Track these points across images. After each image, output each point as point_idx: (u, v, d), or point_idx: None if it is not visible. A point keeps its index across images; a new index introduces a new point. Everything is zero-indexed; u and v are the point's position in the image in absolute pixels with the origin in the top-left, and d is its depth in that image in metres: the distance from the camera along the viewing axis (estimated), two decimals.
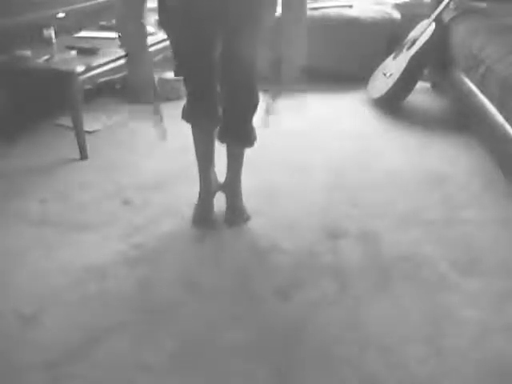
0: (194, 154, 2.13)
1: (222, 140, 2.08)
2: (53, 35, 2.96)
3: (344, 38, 3.70)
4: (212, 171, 2.20)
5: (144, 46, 1.93)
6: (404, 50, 3.30)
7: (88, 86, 2.88)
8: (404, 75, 3.21)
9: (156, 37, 3.03)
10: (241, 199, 2.21)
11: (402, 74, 3.21)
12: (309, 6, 3.85)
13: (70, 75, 2.61)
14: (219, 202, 2.22)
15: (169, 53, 2.05)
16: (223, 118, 2.02)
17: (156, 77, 2.06)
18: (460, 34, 3.07)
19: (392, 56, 3.42)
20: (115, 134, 3.05)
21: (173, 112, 2.13)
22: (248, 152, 2.12)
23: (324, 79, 3.68)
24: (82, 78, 2.64)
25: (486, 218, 2.20)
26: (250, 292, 1.82)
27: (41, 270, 1.93)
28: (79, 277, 1.89)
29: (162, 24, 2.00)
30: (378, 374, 1.50)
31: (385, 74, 3.35)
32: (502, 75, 2.40)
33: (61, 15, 3.13)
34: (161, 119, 1.93)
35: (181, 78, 2.04)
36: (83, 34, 3.23)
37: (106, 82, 3.17)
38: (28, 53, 2.75)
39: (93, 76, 2.73)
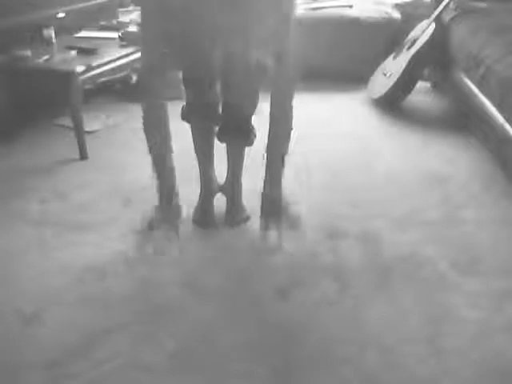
0: (194, 154, 2.13)
1: (221, 139, 2.08)
2: (53, 35, 2.96)
3: (344, 38, 3.70)
4: (212, 172, 2.20)
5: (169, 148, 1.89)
6: (404, 50, 3.30)
7: (88, 86, 2.88)
8: (404, 75, 3.21)
9: None
10: (241, 199, 2.21)
11: (402, 74, 3.21)
12: (309, 6, 3.87)
13: (70, 75, 2.61)
14: (219, 201, 2.22)
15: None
16: (223, 117, 2.02)
17: None
18: (460, 34, 3.07)
19: (392, 56, 3.42)
20: (115, 134, 3.05)
21: (173, 112, 2.13)
22: (248, 152, 2.12)
23: (324, 79, 3.68)
24: (81, 77, 2.64)
25: (485, 217, 2.20)
26: (250, 292, 1.82)
27: (41, 270, 1.93)
28: (79, 277, 1.89)
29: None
30: (378, 374, 1.50)
31: (385, 74, 3.35)
32: (502, 75, 2.40)
33: (61, 15, 3.13)
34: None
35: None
36: (83, 34, 3.23)
37: (105, 82, 3.18)
38: (28, 53, 2.75)
39: (93, 76, 2.73)
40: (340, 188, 2.44)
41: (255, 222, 2.16)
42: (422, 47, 3.19)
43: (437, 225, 2.16)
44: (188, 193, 2.25)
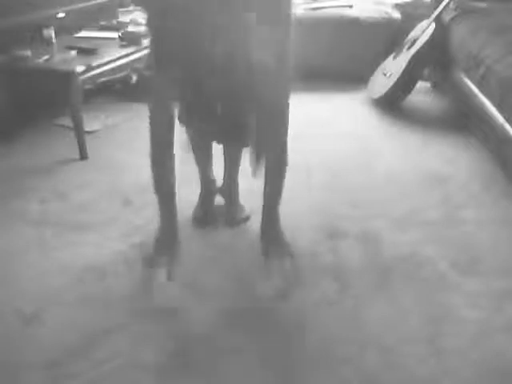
0: (193, 155, 2.13)
1: (219, 141, 2.06)
2: (53, 35, 2.96)
3: (344, 38, 3.70)
4: (211, 172, 2.20)
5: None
6: (404, 50, 3.30)
7: (88, 86, 2.88)
8: (404, 75, 3.21)
9: None
10: (238, 199, 2.21)
11: (401, 74, 3.21)
12: (309, 5, 3.87)
13: (70, 75, 2.60)
14: (219, 201, 2.22)
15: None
16: (220, 120, 2.01)
17: None
18: (460, 34, 3.07)
19: (392, 56, 3.42)
20: (115, 134, 3.05)
21: None
22: (246, 153, 2.12)
23: (324, 79, 3.69)
24: (81, 77, 2.64)
25: (485, 218, 2.20)
26: (250, 292, 1.82)
27: (41, 270, 1.93)
28: (79, 277, 1.89)
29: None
30: (378, 374, 1.50)
31: (385, 74, 3.36)
32: (502, 75, 2.40)
33: (61, 15, 3.13)
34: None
35: None
36: (83, 34, 3.23)
37: (105, 82, 3.18)
38: (28, 53, 2.75)
39: (93, 76, 2.73)
40: (340, 188, 2.44)
41: (255, 222, 2.16)
42: (422, 47, 3.19)
43: (437, 225, 2.16)
44: (188, 193, 2.25)
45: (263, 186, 1.87)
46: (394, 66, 3.31)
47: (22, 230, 2.18)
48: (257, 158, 1.84)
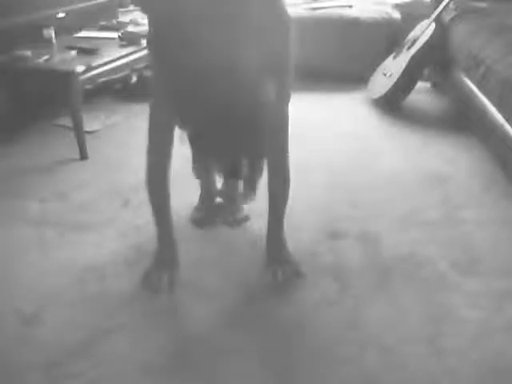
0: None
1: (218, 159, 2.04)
2: (53, 35, 2.97)
3: (344, 38, 3.70)
4: (211, 174, 2.20)
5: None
6: (404, 50, 3.30)
7: (88, 86, 2.88)
8: (404, 75, 3.21)
9: None
10: (239, 199, 2.21)
11: (402, 74, 3.21)
12: (309, 5, 3.87)
13: (70, 75, 2.60)
14: (219, 201, 2.22)
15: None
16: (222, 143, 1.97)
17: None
18: (460, 33, 3.07)
19: (392, 56, 3.43)
20: (115, 134, 3.05)
21: None
22: None
23: (324, 79, 3.69)
24: (81, 78, 2.64)
25: (486, 218, 2.20)
26: (249, 292, 1.82)
27: (41, 270, 1.93)
28: (79, 277, 1.89)
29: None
30: (378, 374, 1.50)
31: (385, 74, 3.36)
32: (502, 75, 2.40)
33: (61, 15, 3.13)
34: None
35: None
36: (83, 34, 3.23)
37: (105, 82, 3.18)
38: (28, 53, 2.75)
39: (93, 76, 2.73)
40: (340, 188, 2.44)
41: (255, 222, 2.16)
42: (422, 47, 3.19)
43: (437, 225, 2.16)
44: (188, 193, 2.25)
45: (268, 199, 1.85)
46: (394, 66, 3.31)
47: (22, 229, 2.18)
48: (250, 184, 1.81)
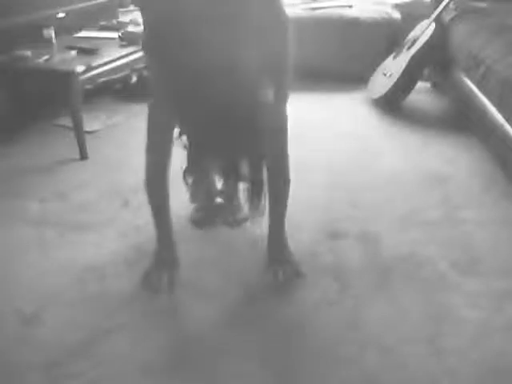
0: None
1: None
2: (53, 35, 2.97)
3: (344, 38, 3.70)
4: (208, 176, 2.20)
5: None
6: (404, 50, 3.30)
7: (88, 86, 2.88)
8: (404, 75, 3.21)
9: None
10: (239, 200, 2.21)
11: (402, 74, 3.21)
12: (309, 5, 3.87)
13: (70, 75, 2.61)
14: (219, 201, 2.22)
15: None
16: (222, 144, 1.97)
17: None
18: (460, 33, 3.07)
19: (392, 56, 3.42)
20: (115, 134, 3.05)
21: None
22: None
23: (324, 79, 3.69)
24: (81, 78, 2.64)
25: (485, 218, 2.20)
26: (249, 292, 1.82)
27: (41, 270, 1.93)
28: (79, 277, 1.89)
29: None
30: (378, 374, 1.50)
31: (385, 74, 3.36)
32: (502, 75, 2.40)
33: (61, 15, 3.13)
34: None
35: None
36: (83, 34, 3.23)
37: (105, 82, 3.18)
38: (28, 53, 2.75)
39: (93, 76, 2.73)
40: (340, 188, 2.44)
41: (255, 222, 2.16)
42: (422, 47, 3.19)
43: (437, 225, 2.16)
44: (188, 193, 2.25)
45: (268, 202, 1.82)
46: (394, 66, 3.31)
47: (22, 229, 2.18)
48: (257, 194, 1.76)
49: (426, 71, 3.46)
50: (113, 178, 2.54)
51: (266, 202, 1.78)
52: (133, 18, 3.39)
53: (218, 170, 1.90)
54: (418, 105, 3.41)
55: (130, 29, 3.17)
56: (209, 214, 2.20)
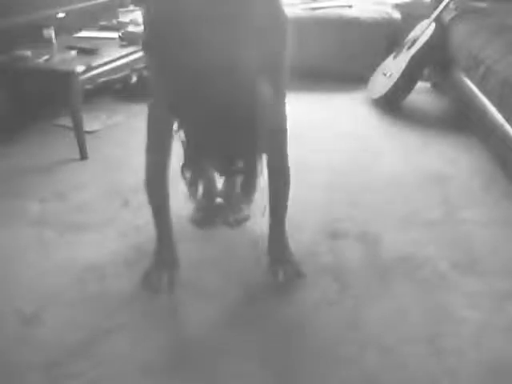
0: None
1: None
2: (53, 35, 2.96)
3: (344, 38, 3.70)
4: (211, 172, 2.20)
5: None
6: (404, 50, 3.30)
7: (88, 86, 2.88)
8: (404, 75, 3.21)
9: None
10: (239, 200, 2.21)
11: (401, 74, 3.21)
12: (309, 5, 3.87)
13: (70, 75, 2.60)
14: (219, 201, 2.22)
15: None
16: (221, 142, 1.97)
17: None
18: (460, 33, 3.07)
19: (392, 56, 3.42)
20: (115, 134, 3.05)
21: None
22: None
23: (324, 79, 3.69)
24: (81, 78, 2.64)
25: (486, 218, 2.20)
26: (249, 292, 1.82)
27: (40, 270, 1.93)
28: (79, 277, 1.89)
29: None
30: (378, 374, 1.50)
31: (385, 74, 3.36)
32: (502, 75, 2.40)
33: (61, 15, 3.13)
34: None
35: None
36: (83, 34, 3.23)
37: (105, 82, 3.18)
38: (28, 53, 2.75)
39: (93, 76, 2.73)
40: (340, 188, 2.44)
41: (255, 222, 2.16)
42: (422, 47, 3.19)
43: (437, 225, 2.16)
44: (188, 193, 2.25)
45: (268, 202, 1.84)
46: (394, 66, 3.31)
47: (22, 229, 2.18)
48: (249, 182, 1.78)
49: (425, 71, 3.46)
50: (113, 178, 2.54)
51: (259, 189, 1.78)
52: (133, 18, 3.39)
53: (214, 166, 1.90)
54: (418, 105, 3.41)
55: (130, 29, 3.17)
56: (209, 214, 2.21)
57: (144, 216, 2.21)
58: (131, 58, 2.91)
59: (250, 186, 1.75)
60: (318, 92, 3.59)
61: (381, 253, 2.00)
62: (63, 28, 3.13)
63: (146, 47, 1.79)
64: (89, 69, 2.68)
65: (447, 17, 3.29)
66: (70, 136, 2.79)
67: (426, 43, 3.18)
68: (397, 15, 3.78)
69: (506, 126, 2.33)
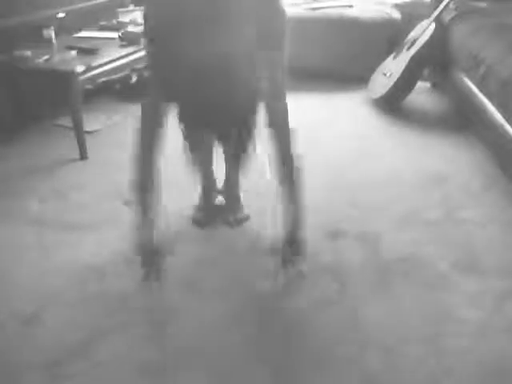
0: (191, 156, 2.13)
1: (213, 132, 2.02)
2: (53, 35, 2.96)
3: (344, 38, 3.69)
4: (212, 171, 2.20)
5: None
6: (404, 50, 3.30)
7: (88, 86, 2.88)
8: (404, 75, 3.21)
9: None
10: (240, 200, 2.21)
11: (401, 74, 3.21)
12: (309, 5, 3.87)
13: (70, 75, 2.61)
14: (219, 201, 2.21)
15: None
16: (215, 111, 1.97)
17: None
18: (460, 34, 3.07)
19: (392, 56, 3.42)
20: (115, 134, 3.05)
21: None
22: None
23: (324, 79, 3.69)
24: (81, 78, 2.64)
25: (486, 218, 2.20)
26: (249, 292, 1.82)
27: (40, 270, 1.93)
28: (79, 277, 1.89)
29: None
30: (378, 374, 1.50)
31: (385, 74, 3.35)
32: (502, 75, 2.40)
33: (61, 15, 3.13)
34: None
35: None
36: (83, 34, 3.23)
37: (105, 82, 3.18)
38: (28, 53, 2.75)
39: (93, 76, 2.73)
40: (340, 188, 2.44)
41: (255, 222, 2.16)
42: (422, 47, 3.19)
43: (437, 225, 2.16)
44: (188, 193, 2.25)
45: (282, 212, 1.79)
46: (394, 66, 3.31)
47: (22, 229, 2.18)
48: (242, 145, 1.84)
49: (425, 71, 3.46)
50: (113, 178, 2.54)
51: (254, 145, 1.87)
52: (133, 18, 3.40)
53: (212, 131, 1.92)
54: (418, 105, 3.41)
55: (130, 29, 3.17)
56: (209, 214, 2.21)
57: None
58: (131, 58, 2.91)
59: (245, 148, 1.80)
60: (318, 92, 3.59)
61: (381, 253, 2.00)
62: (63, 28, 3.13)
63: (146, 35, 1.81)
64: (89, 69, 2.68)
65: (447, 17, 3.29)
66: (69, 136, 2.79)
67: (426, 43, 3.18)
68: (397, 15, 3.78)
69: (506, 125, 2.33)
